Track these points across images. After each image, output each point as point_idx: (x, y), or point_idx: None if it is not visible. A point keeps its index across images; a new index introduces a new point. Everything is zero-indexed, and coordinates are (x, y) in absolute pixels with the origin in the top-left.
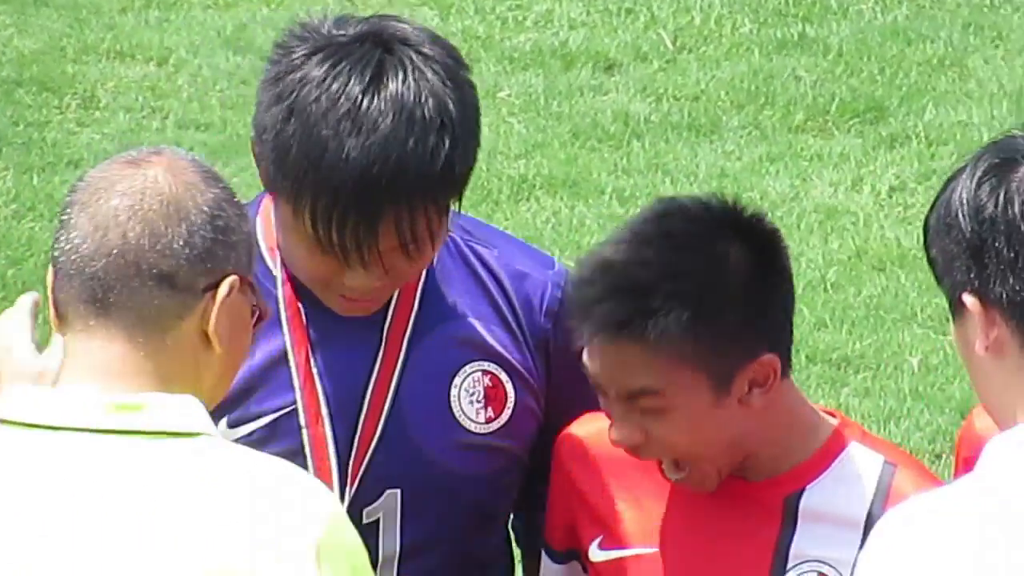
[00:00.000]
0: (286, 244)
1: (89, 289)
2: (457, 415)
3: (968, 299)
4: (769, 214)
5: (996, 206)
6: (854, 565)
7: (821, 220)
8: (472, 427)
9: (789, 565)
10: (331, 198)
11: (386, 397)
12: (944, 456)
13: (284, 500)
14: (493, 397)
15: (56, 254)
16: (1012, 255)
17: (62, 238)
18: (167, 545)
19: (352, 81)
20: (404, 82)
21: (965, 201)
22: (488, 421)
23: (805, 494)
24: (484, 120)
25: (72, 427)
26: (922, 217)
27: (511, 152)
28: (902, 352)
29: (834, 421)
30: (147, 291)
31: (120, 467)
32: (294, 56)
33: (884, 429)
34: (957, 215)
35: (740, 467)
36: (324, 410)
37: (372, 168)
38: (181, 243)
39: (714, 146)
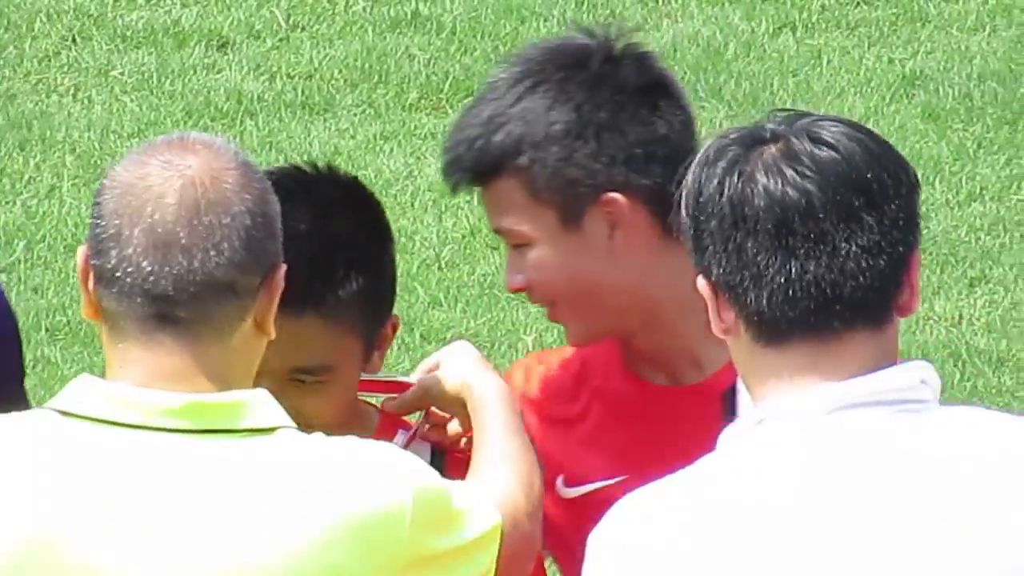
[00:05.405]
0: None
1: (156, 307)
2: None
3: (700, 282)
4: (384, 192)
5: (711, 191)
6: None
7: (435, 198)
8: None
9: None
10: None
11: None
12: None
13: (357, 475)
14: None
15: (108, 265)
16: (723, 239)
17: (112, 252)
18: (240, 539)
19: None
20: None
21: (688, 185)
22: None
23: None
24: (97, 99)
25: (152, 427)
26: None
27: (124, 131)
28: (516, 330)
29: None
30: (214, 302)
31: (202, 465)
32: None
33: None
34: (681, 199)
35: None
36: None
37: None
38: (242, 251)
39: (328, 124)
